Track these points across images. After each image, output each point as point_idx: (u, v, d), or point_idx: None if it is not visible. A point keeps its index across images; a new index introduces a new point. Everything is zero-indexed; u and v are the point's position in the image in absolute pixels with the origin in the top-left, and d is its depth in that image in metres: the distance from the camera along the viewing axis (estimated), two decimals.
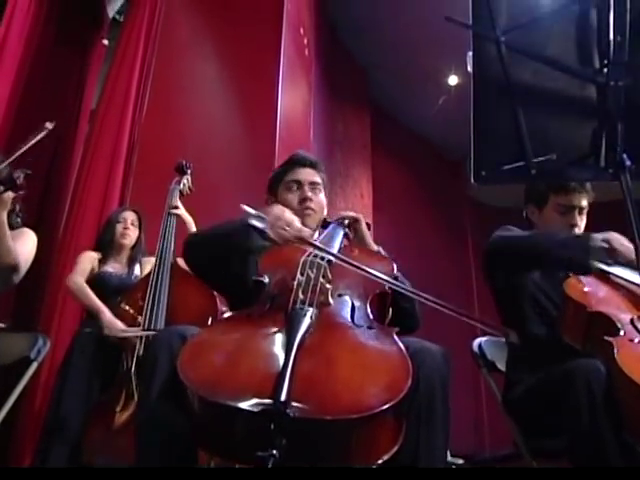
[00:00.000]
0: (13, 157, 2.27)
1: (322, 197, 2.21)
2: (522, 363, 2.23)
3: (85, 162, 4.67)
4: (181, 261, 3.27)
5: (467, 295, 8.23)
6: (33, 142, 2.30)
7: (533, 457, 2.11)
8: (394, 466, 1.38)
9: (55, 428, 2.89)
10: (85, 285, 3.31)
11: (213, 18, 5.18)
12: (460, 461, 3.87)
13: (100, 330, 3.09)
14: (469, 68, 1.24)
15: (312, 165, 2.24)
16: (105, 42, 5.99)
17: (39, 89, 4.84)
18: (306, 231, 1.79)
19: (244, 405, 1.22)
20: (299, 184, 2.18)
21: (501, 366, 2.47)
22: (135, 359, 2.87)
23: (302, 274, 1.65)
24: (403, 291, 1.72)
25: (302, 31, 5.75)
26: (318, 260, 1.71)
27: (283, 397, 1.19)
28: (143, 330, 2.94)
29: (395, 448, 1.34)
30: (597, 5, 1.23)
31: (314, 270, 1.67)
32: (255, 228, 1.77)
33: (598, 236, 2.08)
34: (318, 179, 2.22)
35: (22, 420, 3.64)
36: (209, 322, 2.44)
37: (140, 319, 2.98)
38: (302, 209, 2.14)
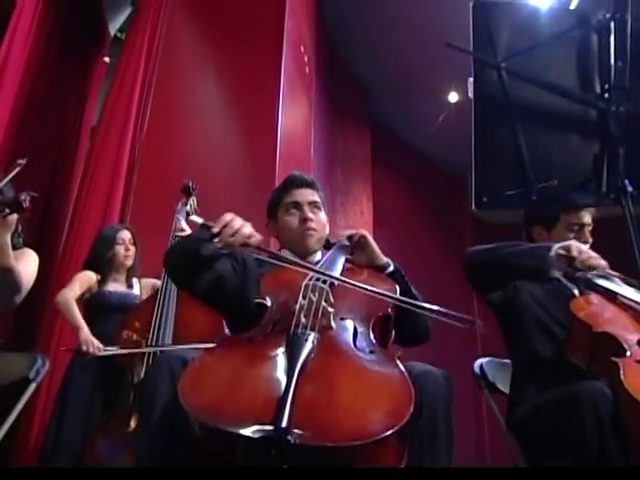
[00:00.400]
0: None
1: (322, 216, 2.21)
2: (526, 383, 2.22)
3: (85, 179, 4.69)
4: None
5: (468, 312, 8.18)
6: (7, 179, 2.29)
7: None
8: None
9: (56, 446, 2.88)
10: (72, 302, 3.29)
11: (214, 36, 5.21)
12: None
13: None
14: (470, 94, 1.24)
15: (309, 185, 2.23)
16: (106, 59, 6.04)
17: (41, 106, 4.87)
18: (256, 237, 1.76)
19: (245, 431, 1.21)
20: (298, 205, 2.16)
21: (502, 387, 2.46)
22: (137, 377, 2.87)
23: (304, 297, 1.65)
24: (407, 306, 1.71)
25: (302, 49, 5.77)
26: (320, 284, 1.70)
27: (284, 423, 1.19)
28: (125, 348, 2.96)
29: None
30: (598, 31, 1.24)
31: (316, 294, 1.66)
32: (202, 239, 1.76)
33: (563, 244, 2.12)
34: (317, 198, 2.21)
35: (20, 441, 3.62)
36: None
37: (144, 343, 2.99)
38: (304, 230, 2.13)
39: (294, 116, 5.41)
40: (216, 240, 1.73)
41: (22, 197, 2.21)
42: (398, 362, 1.50)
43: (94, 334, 3.27)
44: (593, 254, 2.07)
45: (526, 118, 1.24)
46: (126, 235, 3.60)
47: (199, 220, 1.77)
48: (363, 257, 2.13)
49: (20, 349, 2.95)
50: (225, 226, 1.72)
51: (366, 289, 1.67)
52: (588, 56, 1.24)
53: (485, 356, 2.60)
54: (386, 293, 1.71)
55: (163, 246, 3.39)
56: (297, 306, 1.62)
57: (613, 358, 1.77)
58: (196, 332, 2.98)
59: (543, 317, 2.24)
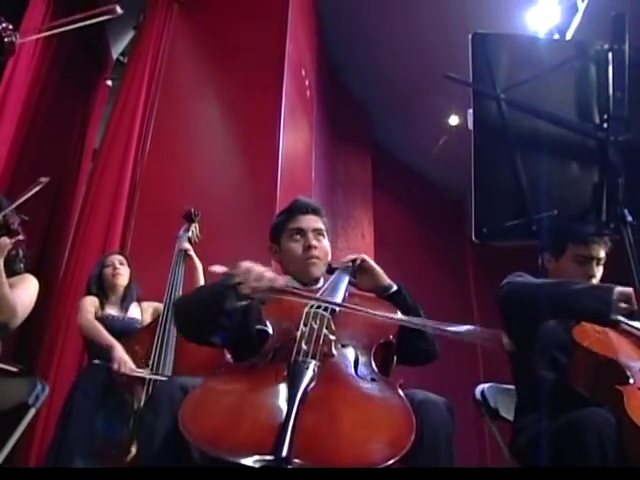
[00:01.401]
0: (9, 209, 2.29)
1: (326, 243, 2.20)
2: (530, 409, 2.20)
3: (87, 202, 4.70)
4: None
5: (467, 320, 8.17)
6: (29, 195, 2.31)
7: None
8: None
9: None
10: (95, 322, 3.29)
11: (215, 60, 5.25)
12: None
13: (105, 370, 3.07)
14: (469, 125, 1.25)
15: (314, 211, 2.21)
16: (109, 83, 6.09)
17: (43, 128, 4.92)
18: (280, 280, 1.72)
19: (245, 461, 1.20)
20: (302, 232, 2.15)
21: (505, 413, 2.44)
22: (138, 403, 2.86)
23: (305, 325, 1.64)
24: (408, 324, 1.72)
25: (304, 72, 5.81)
26: (321, 312, 1.70)
27: (284, 453, 1.18)
28: (152, 373, 2.94)
29: None
30: (596, 61, 1.25)
31: (317, 321, 1.66)
32: (227, 287, 1.70)
33: (619, 290, 2.02)
34: (321, 225, 2.20)
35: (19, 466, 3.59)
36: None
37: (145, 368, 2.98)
38: (307, 258, 2.12)
39: (295, 139, 5.43)
40: (241, 287, 1.66)
41: (11, 220, 2.22)
42: (399, 390, 1.50)
43: (95, 357, 3.26)
44: None
45: (526, 149, 1.24)
46: (115, 258, 3.60)
47: (220, 269, 1.71)
48: (367, 280, 2.12)
49: (20, 374, 2.92)
50: (247, 272, 1.67)
51: (367, 312, 1.67)
52: (587, 86, 1.24)
53: (487, 381, 2.58)
54: (387, 315, 1.71)
55: (164, 271, 3.41)
56: (298, 333, 1.61)
57: (617, 386, 1.76)
58: (197, 361, 2.97)
59: (550, 344, 2.23)
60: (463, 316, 8.01)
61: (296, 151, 5.46)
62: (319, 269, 2.15)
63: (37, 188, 2.36)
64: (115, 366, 3.01)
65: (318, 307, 1.72)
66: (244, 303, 1.73)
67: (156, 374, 2.94)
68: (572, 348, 2.04)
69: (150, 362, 2.98)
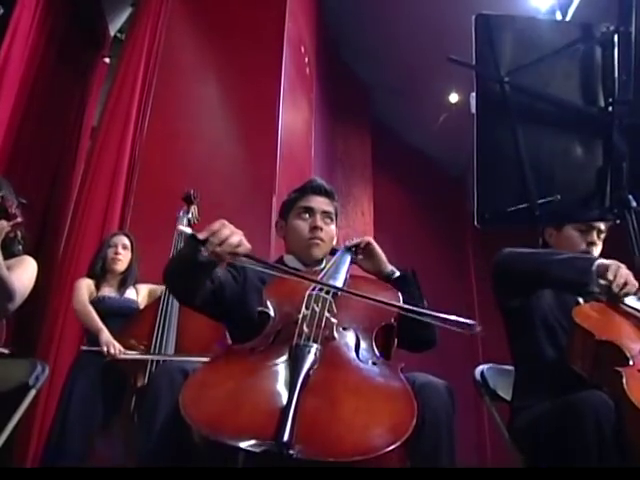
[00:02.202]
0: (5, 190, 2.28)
1: (333, 228, 2.19)
2: (529, 390, 2.20)
3: (86, 181, 4.68)
4: None
5: (468, 312, 8.20)
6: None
7: None
8: None
9: (58, 451, 2.88)
10: (89, 306, 3.30)
11: (214, 36, 5.20)
12: None
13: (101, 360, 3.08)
14: (472, 110, 1.23)
15: (327, 194, 2.21)
16: (107, 60, 6.03)
17: (41, 107, 4.87)
18: (245, 246, 1.65)
19: (246, 445, 1.20)
20: (311, 212, 2.14)
21: (504, 394, 2.44)
22: (139, 383, 2.87)
23: (307, 308, 1.63)
24: (407, 313, 1.69)
25: (303, 50, 5.77)
26: (323, 294, 1.69)
27: (285, 438, 1.18)
28: (143, 354, 2.94)
29: None
30: (602, 43, 1.22)
31: (319, 304, 1.65)
32: (191, 249, 1.67)
33: (604, 263, 1.97)
34: (331, 209, 2.19)
35: (20, 448, 3.62)
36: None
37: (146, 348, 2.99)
38: (311, 238, 2.12)
39: (294, 117, 5.40)
40: (202, 249, 1.62)
41: (8, 203, 2.21)
42: (401, 374, 1.49)
43: (92, 339, 3.27)
44: (630, 280, 1.93)
45: (529, 133, 1.22)
46: (120, 240, 3.59)
47: (188, 230, 1.67)
48: (369, 264, 2.12)
49: (20, 355, 2.92)
50: (212, 234, 1.61)
51: (368, 298, 1.66)
52: (592, 69, 1.22)
53: (486, 362, 2.58)
54: (387, 301, 1.70)
55: (164, 251, 3.39)
56: (300, 316, 1.60)
57: (616, 368, 1.76)
58: (199, 341, 2.98)
59: (552, 324, 2.22)
60: (462, 293, 8.04)
61: (295, 129, 5.43)
62: (321, 251, 2.14)
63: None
64: (104, 349, 3.03)
65: (320, 290, 1.71)
66: (212, 260, 1.68)
67: (154, 354, 2.94)
68: (571, 329, 2.04)
69: (152, 342, 2.98)
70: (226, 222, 1.67)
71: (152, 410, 1.47)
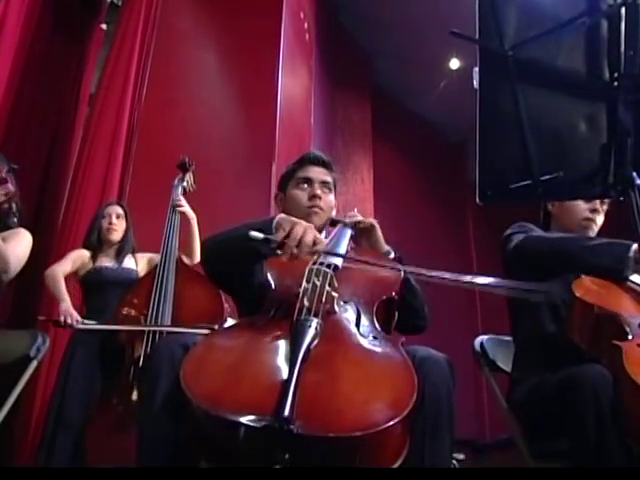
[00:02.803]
0: None
1: (332, 197, 2.19)
2: (529, 362, 2.21)
3: (85, 148, 4.65)
4: (186, 257, 3.28)
5: (466, 273, 8.20)
6: None
7: (534, 458, 2.10)
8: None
9: (59, 421, 2.91)
10: (59, 275, 3.29)
11: (212, 3, 5.13)
12: (461, 456, 3.85)
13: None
14: (475, 84, 1.21)
15: (324, 164, 2.21)
16: (103, 26, 5.94)
17: (38, 74, 4.82)
18: (323, 242, 1.62)
19: (247, 420, 1.20)
20: (310, 182, 2.15)
21: (503, 365, 2.44)
22: (137, 353, 2.87)
23: (308, 281, 1.63)
24: (415, 273, 1.71)
25: (302, 15, 5.69)
26: (324, 268, 1.68)
27: (286, 413, 1.18)
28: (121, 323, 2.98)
29: (399, 461, 1.33)
30: (608, 17, 1.20)
31: (320, 278, 1.65)
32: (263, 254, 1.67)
33: (635, 247, 1.97)
34: (329, 179, 2.19)
35: (23, 419, 3.64)
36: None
37: (142, 320, 2.99)
38: (310, 207, 2.12)
39: (294, 84, 5.36)
40: (280, 253, 1.57)
41: None
42: (401, 349, 1.49)
43: (92, 309, 3.28)
44: None
45: (533, 108, 1.20)
46: (113, 210, 3.56)
47: (260, 236, 1.57)
48: (366, 244, 2.12)
49: (20, 327, 2.93)
50: (287, 236, 1.57)
51: (371, 262, 1.65)
52: (597, 43, 1.19)
53: (486, 333, 2.59)
54: (393, 265, 1.69)
55: (163, 220, 3.39)
56: (300, 290, 1.60)
57: (615, 341, 1.76)
58: (195, 311, 2.99)
59: (556, 298, 2.21)
60: (462, 260, 8.04)
61: (295, 96, 5.40)
62: (320, 220, 2.13)
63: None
64: (61, 318, 3.05)
65: (321, 263, 1.71)
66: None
67: (147, 324, 2.96)
68: (571, 301, 2.03)
69: (148, 313, 2.99)
70: (294, 219, 1.64)
71: (153, 385, 1.47)
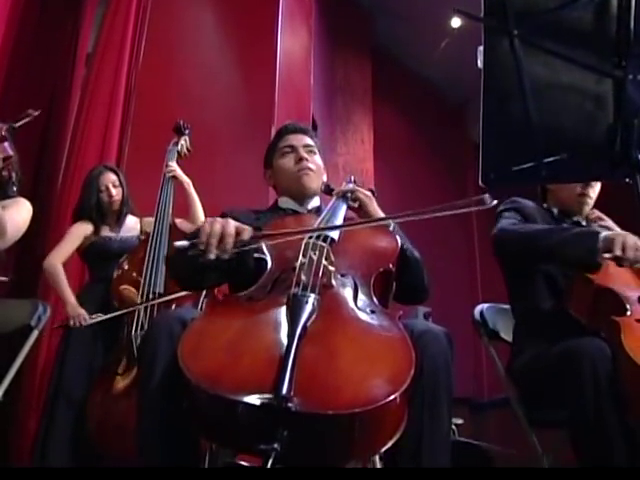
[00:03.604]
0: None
1: (318, 158, 2.19)
2: (529, 336, 2.21)
3: (82, 110, 4.57)
4: (180, 222, 3.26)
5: (467, 242, 8.22)
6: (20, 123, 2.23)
7: (531, 426, 2.11)
8: (397, 452, 1.40)
9: (59, 393, 2.91)
10: (59, 269, 3.24)
11: None
12: (460, 421, 3.88)
13: (103, 292, 3.11)
14: (479, 64, 1.17)
15: (303, 131, 2.21)
16: None
17: (33, 33, 4.73)
18: (247, 230, 1.59)
19: (245, 398, 1.20)
20: (293, 148, 2.14)
21: (504, 335, 2.45)
22: (136, 324, 2.88)
23: (304, 256, 1.62)
24: (414, 251, 1.78)
25: None
26: (320, 242, 1.67)
27: (284, 391, 1.18)
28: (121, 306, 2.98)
29: (398, 435, 1.34)
30: None
31: (316, 252, 1.63)
32: (194, 257, 1.59)
33: (609, 237, 1.93)
34: (310, 141, 2.19)
35: (25, 389, 3.64)
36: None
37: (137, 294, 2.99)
38: (300, 169, 2.11)
39: (293, 44, 5.28)
40: (206, 255, 1.54)
41: None
42: (399, 323, 1.49)
43: (97, 279, 3.28)
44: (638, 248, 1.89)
45: (538, 89, 1.16)
46: (108, 179, 3.45)
47: (183, 244, 1.56)
48: (363, 213, 2.09)
49: (21, 296, 2.91)
50: (208, 237, 1.54)
51: (366, 222, 1.63)
52: (606, 21, 1.15)
53: (486, 301, 2.58)
54: (388, 216, 1.67)
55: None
56: (297, 264, 1.59)
57: (613, 317, 1.76)
58: None
59: (553, 273, 2.21)
60: (461, 221, 8.03)
61: (294, 56, 5.31)
62: (313, 181, 2.14)
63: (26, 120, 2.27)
64: (71, 323, 3.02)
65: (317, 237, 1.69)
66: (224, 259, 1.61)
67: (141, 302, 2.96)
68: (570, 275, 2.03)
69: (142, 281, 2.98)
70: (210, 218, 1.62)
71: (151, 363, 1.47)
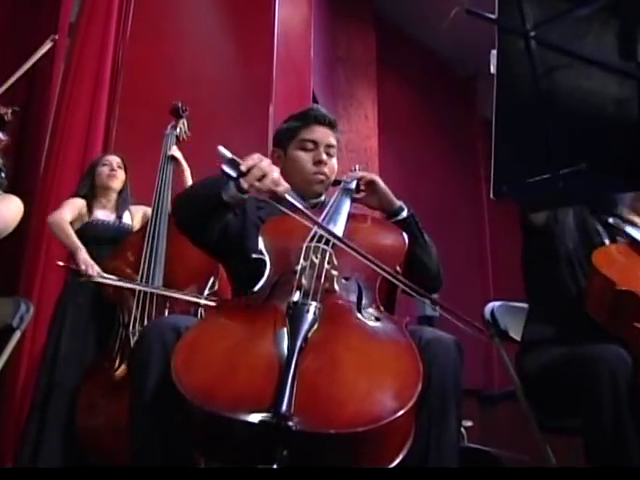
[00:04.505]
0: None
1: (335, 162, 2.17)
2: (543, 327, 2.18)
3: (66, 85, 4.47)
4: None
5: (477, 223, 8.21)
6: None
7: (543, 431, 2.12)
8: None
9: (51, 384, 2.93)
10: (66, 222, 3.24)
11: None
12: (469, 423, 3.90)
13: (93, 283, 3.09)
14: (492, 69, 1.16)
15: (331, 125, 2.17)
16: None
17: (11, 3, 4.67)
18: (284, 187, 1.64)
19: (242, 416, 1.20)
20: (315, 144, 2.12)
21: (515, 335, 2.43)
22: (128, 316, 2.88)
23: (306, 259, 1.62)
24: (426, 238, 1.82)
25: None
26: (322, 245, 1.66)
27: (284, 408, 1.18)
28: (130, 281, 2.96)
29: (405, 451, 1.33)
30: None
31: (318, 255, 1.63)
32: (228, 175, 1.62)
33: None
34: (334, 141, 2.17)
35: (7, 392, 3.62)
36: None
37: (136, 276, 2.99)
38: (315, 172, 2.11)
39: (292, 14, 5.26)
40: (242, 181, 1.61)
41: (3, 111, 2.15)
42: (405, 330, 1.49)
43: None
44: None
45: (555, 96, 1.15)
46: (113, 158, 3.51)
47: (227, 154, 1.61)
48: (374, 200, 2.10)
49: (0, 294, 2.88)
50: (253, 167, 1.61)
51: (367, 257, 1.62)
52: (631, 20, 1.14)
53: (498, 299, 2.57)
54: (385, 267, 1.64)
55: (152, 169, 3.35)
56: (298, 268, 1.59)
57: (636, 324, 1.74)
58: (188, 270, 2.98)
59: (573, 260, 2.19)
60: (470, 198, 8.02)
61: (293, 27, 5.30)
62: (323, 187, 2.15)
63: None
64: (82, 267, 3.00)
65: (319, 240, 1.69)
66: (244, 197, 1.69)
67: (140, 284, 2.95)
68: (591, 272, 2.00)
69: (140, 271, 2.98)
70: (262, 156, 1.66)
71: (143, 372, 1.47)
